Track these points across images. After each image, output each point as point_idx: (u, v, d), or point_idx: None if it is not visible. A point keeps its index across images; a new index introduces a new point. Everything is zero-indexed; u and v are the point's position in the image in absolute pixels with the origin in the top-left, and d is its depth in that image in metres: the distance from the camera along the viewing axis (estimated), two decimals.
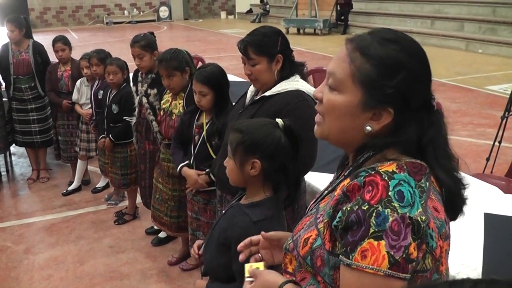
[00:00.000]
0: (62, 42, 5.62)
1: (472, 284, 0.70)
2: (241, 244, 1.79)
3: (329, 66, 1.37)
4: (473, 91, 9.98)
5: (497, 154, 5.20)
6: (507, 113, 5.19)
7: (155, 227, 4.68)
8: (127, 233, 4.88)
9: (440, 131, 1.33)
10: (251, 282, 1.55)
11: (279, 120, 2.14)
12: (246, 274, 1.59)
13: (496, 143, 5.20)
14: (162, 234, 4.66)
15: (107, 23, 27.12)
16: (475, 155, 6.14)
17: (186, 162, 3.55)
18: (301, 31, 20.62)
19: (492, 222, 2.78)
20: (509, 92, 5.31)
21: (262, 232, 1.73)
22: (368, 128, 1.31)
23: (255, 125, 2.12)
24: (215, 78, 3.36)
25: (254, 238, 1.75)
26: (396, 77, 1.26)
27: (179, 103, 3.87)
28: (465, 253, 2.45)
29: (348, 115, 1.32)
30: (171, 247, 4.57)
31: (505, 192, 3.33)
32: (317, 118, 1.41)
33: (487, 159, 5.18)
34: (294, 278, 1.44)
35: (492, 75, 11.35)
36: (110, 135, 4.79)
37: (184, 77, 3.83)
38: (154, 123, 4.14)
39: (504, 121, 5.18)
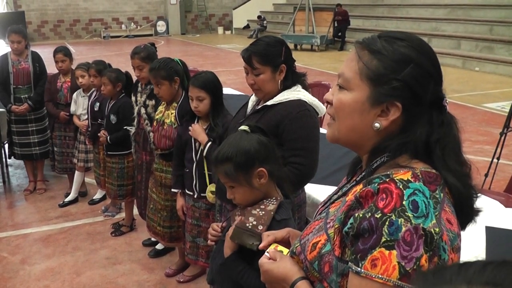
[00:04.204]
0: (63, 53, 5.63)
1: (482, 265, 0.70)
2: (267, 232, 1.75)
3: (339, 69, 1.38)
4: (470, 108, 10.01)
5: (495, 170, 5.19)
6: (506, 129, 5.19)
7: (152, 238, 4.65)
8: (124, 244, 4.85)
9: (450, 132, 1.30)
10: (269, 258, 1.53)
11: (244, 127, 2.18)
12: (269, 250, 1.58)
13: (495, 160, 5.18)
14: (159, 246, 4.63)
15: (104, 37, 27.21)
16: (472, 171, 6.11)
17: (179, 190, 3.74)
18: (298, 47, 20.69)
19: (494, 236, 2.78)
20: (507, 110, 5.31)
21: (289, 232, 1.71)
22: (377, 125, 1.30)
23: (234, 143, 2.12)
24: (212, 82, 3.44)
25: (279, 235, 1.71)
26: (403, 70, 1.27)
27: (171, 113, 3.89)
28: None
29: (357, 112, 1.32)
30: (168, 259, 4.54)
31: (505, 207, 3.33)
32: (328, 120, 1.41)
33: (486, 175, 5.13)
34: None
35: (489, 93, 11.39)
36: (108, 138, 4.75)
37: (173, 86, 3.85)
38: (151, 134, 4.14)
39: (503, 137, 5.17)
